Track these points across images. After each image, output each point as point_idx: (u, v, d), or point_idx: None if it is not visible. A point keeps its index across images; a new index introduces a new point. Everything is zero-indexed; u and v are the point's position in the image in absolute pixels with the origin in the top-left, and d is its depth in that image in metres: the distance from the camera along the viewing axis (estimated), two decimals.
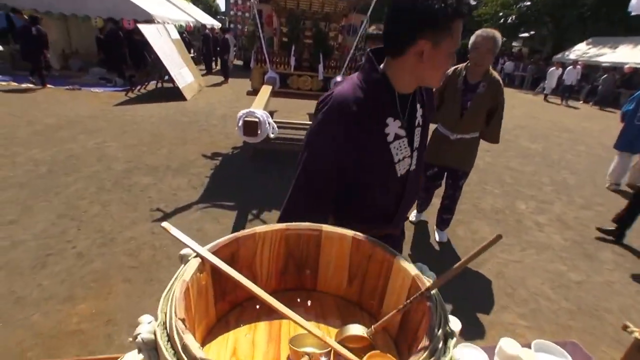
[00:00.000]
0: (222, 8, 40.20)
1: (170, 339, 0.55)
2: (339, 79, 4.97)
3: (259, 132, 3.35)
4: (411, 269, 0.76)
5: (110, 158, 5.16)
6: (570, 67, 14.63)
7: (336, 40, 5.19)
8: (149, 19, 10.70)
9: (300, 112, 8.33)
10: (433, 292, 0.69)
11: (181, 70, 9.97)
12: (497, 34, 2.73)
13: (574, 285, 3.26)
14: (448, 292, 1.74)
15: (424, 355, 0.56)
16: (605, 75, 14.93)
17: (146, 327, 0.58)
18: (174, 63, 9.58)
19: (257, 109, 3.40)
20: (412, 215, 4.12)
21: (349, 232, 0.89)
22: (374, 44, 3.61)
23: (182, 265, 0.72)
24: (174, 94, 9.44)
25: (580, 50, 18.39)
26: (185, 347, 0.53)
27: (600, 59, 16.35)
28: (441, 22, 0.97)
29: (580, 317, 2.87)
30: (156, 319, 0.60)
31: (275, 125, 3.58)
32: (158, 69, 9.93)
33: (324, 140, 1.08)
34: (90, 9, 10.70)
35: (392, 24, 1.05)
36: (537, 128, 9.68)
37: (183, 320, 0.57)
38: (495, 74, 2.94)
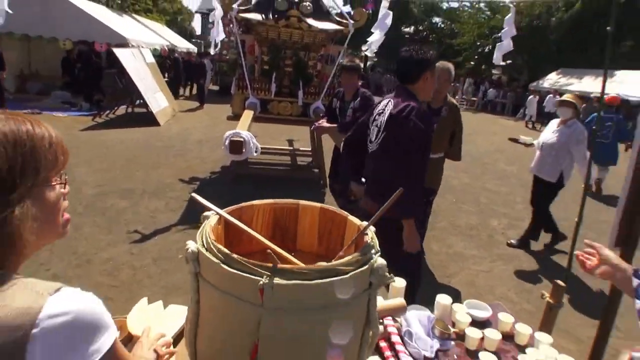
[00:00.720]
0: (198, 31, 41.40)
1: (207, 249, 0.98)
2: (318, 104, 5.53)
3: (243, 150, 3.83)
4: (357, 221, 1.22)
5: (79, 182, 5.33)
6: (550, 95, 15.99)
7: (315, 68, 5.79)
8: (123, 43, 11.05)
9: (280, 138, 8.81)
10: (369, 231, 1.14)
11: (155, 95, 10.32)
12: (451, 66, 3.36)
13: (536, 290, 3.74)
14: (424, 297, 2.17)
15: (356, 254, 1.01)
16: (584, 105, 16.24)
17: (192, 244, 1.00)
18: (148, 87, 9.97)
19: (242, 130, 3.90)
20: None
21: (317, 204, 1.34)
22: (348, 73, 4.22)
23: (206, 220, 1.15)
24: (147, 118, 9.67)
25: (552, 80, 20.13)
26: (218, 249, 0.96)
27: (570, 87, 18.02)
28: (432, 63, 2.38)
29: (538, 315, 3.35)
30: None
31: (259, 146, 4.07)
32: (129, 93, 10.15)
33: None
34: (59, 31, 10.81)
35: (407, 66, 2.40)
36: (515, 152, 10.47)
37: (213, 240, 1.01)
38: (453, 100, 3.54)
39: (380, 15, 5.81)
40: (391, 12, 5.78)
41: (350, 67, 4.28)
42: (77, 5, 11.14)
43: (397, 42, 16.64)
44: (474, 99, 23.00)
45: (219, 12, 6.13)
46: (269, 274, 0.91)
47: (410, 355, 1.37)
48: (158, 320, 1.42)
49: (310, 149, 6.90)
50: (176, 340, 1.35)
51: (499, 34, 22.92)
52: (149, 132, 8.90)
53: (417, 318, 1.53)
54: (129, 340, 1.24)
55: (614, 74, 16.38)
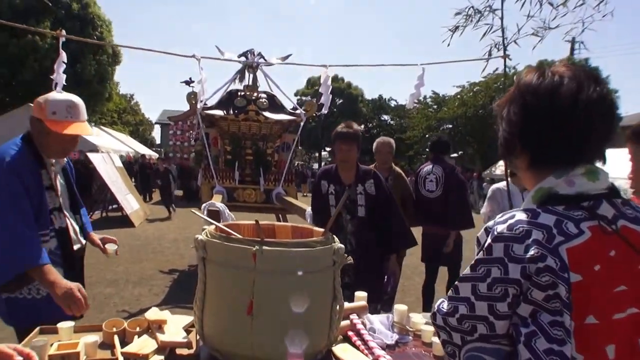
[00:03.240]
0: (158, 140, 43.45)
1: (211, 237, 1.41)
2: (279, 190, 6.11)
3: (221, 219, 4.24)
4: (318, 229, 1.69)
5: None
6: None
7: (273, 157, 6.49)
8: (94, 149, 11.64)
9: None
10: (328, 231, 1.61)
11: (127, 197, 10.71)
12: (391, 140, 4.17)
13: None
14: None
15: (321, 237, 1.46)
16: None
17: (201, 236, 1.43)
18: (120, 189, 10.37)
19: (217, 202, 4.41)
20: None
21: (289, 224, 1.81)
22: (345, 144, 3.00)
23: (207, 226, 1.58)
24: (122, 221, 10.06)
25: (503, 166, 22.03)
26: (219, 235, 1.39)
27: None
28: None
29: None
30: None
31: (233, 216, 4.53)
32: (102, 197, 10.52)
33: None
34: None
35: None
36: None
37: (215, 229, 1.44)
38: (397, 169, 4.24)
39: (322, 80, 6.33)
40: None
41: (346, 134, 2.96)
42: None
43: None
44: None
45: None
46: (258, 242, 1.35)
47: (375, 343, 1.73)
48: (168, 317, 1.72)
49: None
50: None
51: (448, 125, 25.35)
52: (125, 232, 9.16)
53: (378, 319, 1.91)
54: (147, 331, 1.56)
55: None
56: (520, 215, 0.87)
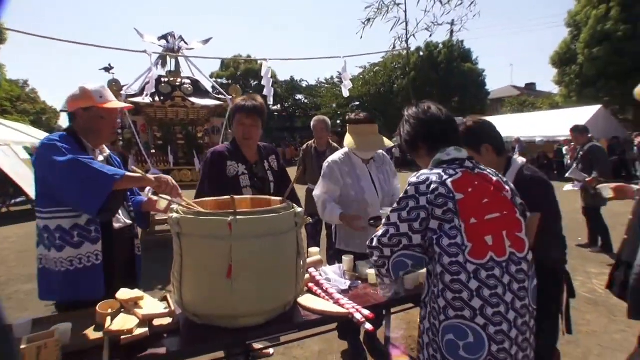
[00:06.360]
0: None
1: (185, 214, 1.43)
2: None
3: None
4: (275, 198, 1.77)
5: None
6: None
7: (204, 139, 6.30)
8: None
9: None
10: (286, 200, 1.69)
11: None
12: (326, 118, 4.33)
13: None
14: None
15: (284, 204, 1.55)
16: None
17: (174, 214, 1.44)
18: (28, 183, 9.27)
19: None
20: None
21: (248, 197, 1.86)
22: (248, 115, 2.39)
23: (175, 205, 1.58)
24: (31, 214, 8.90)
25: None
26: (194, 211, 1.41)
27: None
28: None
29: None
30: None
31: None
32: (4, 191, 9.36)
33: None
34: None
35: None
36: None
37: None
38: (334, 143, 4.38)
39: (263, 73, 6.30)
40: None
41: (250, 108, 2.41)
42: None
43: (268, 117, 18.05)
44: None
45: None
46: (232, 213, 1.39)
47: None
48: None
49: None
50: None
51: (356, 103, 26.06)
52: (35, 226, 8.19)
53: (331, 270, 2.06)
54: (120, 311, 1.52)
55: None
56: (424, 171, 1.39)
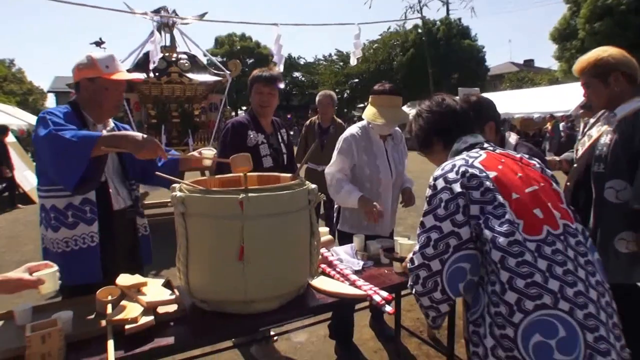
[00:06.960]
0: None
1: (191, 192, 1.30)
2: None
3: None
4: (284, 175, 1.64)
5: None
6: None
7: (200, 118, 6.10)
8: None
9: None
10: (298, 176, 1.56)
11: (25, 173, 9.42)
12: (332, 93, 4.13)
13: None
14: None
15: (297, 180, 1.42)
16: None
17: (178, 192, 1.31)
18: (16, 167, 9.07)
19: None
20: None
21: (255, 174, 1.72)
22: (266, 84, 2.41)
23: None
24: (19, 199, 8.59)
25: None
26: (201, 189, 1.28)
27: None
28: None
29: None
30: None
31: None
32: None
33: None
34: None
35: None
36: None
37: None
38: (338, 119, 4.23)
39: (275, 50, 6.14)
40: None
41: (269, 77, 2.45)
42: None
43: None
44: None
45: None
46: (243, 190, 1.27)
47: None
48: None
49: None
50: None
51: (355, 80, 25.86)
52: (26, 211, 7.99)
53: (343, 250, 1.96)
54: (122, 298, 1.41)
55: None
56: (446, 162, 1.28)
